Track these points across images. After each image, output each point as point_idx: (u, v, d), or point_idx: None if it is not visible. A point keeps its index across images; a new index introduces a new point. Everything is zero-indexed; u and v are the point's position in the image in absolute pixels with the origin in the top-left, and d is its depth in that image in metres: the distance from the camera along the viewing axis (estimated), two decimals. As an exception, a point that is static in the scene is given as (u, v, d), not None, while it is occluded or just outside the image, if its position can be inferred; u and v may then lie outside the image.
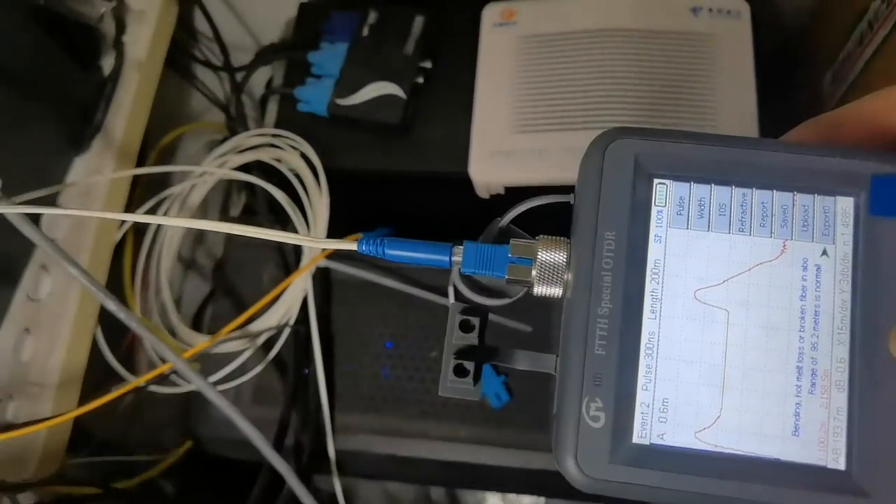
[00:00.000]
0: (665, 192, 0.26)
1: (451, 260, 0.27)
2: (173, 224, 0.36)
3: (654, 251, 0.26)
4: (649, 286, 0.25)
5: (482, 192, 0.62)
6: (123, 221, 0.66)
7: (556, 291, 0.26)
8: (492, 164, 0.59)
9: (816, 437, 0.24)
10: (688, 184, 0.26)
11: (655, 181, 0.26)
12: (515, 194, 0.60)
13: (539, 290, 0.27)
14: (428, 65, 0.64)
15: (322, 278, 0.63)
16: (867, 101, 0.26)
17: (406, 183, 0.66)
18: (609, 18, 0.60)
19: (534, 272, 0.27)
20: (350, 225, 0.63)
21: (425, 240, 0.28)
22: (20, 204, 0.49)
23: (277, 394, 0.61)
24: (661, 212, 0.26)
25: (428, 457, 0.59)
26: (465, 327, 0.27)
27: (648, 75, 0.58)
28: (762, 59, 0.59)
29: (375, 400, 0.60)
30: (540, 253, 0.27)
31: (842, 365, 0.25)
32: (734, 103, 0.57)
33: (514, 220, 0.29)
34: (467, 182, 0.61)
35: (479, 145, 0.60)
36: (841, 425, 0.24)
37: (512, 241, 0.27)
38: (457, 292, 0.60)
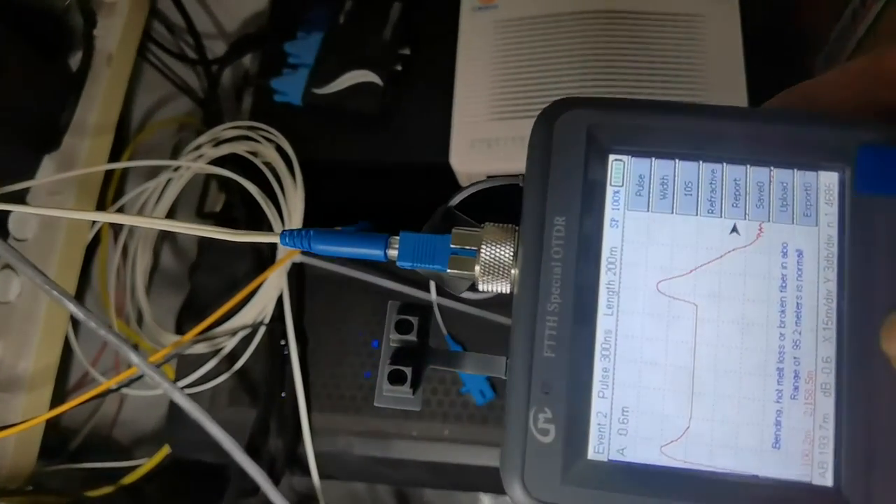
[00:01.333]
0: (622, 170, 0.23)
1: (385, 253, 0.24)
2: (134, 223, 0.33)
3: (609, 238, 0.22)
4: (605, 278, 0.22)
5: (465, 182, 0.59)
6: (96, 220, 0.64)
7: (503, 287, 0.23)
8: (473, 153, 0.57)
9: (800, 449, 0.21)
10: (648, 159, 0.23)
11: (611, 157, 0.23)
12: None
13: (484, 285, 0.24)
14: (406, 51, 0.62)
15: (299, 275, 0.60)
16: (851, 67, 0.23)
17: (386, 174, 0.63)
18: (592, 0, 0.58)
19: (477, 266, 0.23)
20: (330, 218, 0.60)
21: (372, 231, 0.25)
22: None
23: (253, 395, 0.59)
24: (617, 192, 0.23)
25: (412, 458, 0.56)
26: (403, 327, 0.24)
27: (634, 58, 0.56)
28: (752, 39, 0.56)
29: (356, 400, 0.57)
30: (484, 242, 0.23)
31: (828, 365, 0.21)
32: (723, 85, 0.54)
33: (477, 211, 0.26)
34: (449, 171, 0.58)
35: (460, 133, 0.58)
36: (828, 435, 0.21)
37: (454, 229, 0.24)
38: (438, 286, 0.57)
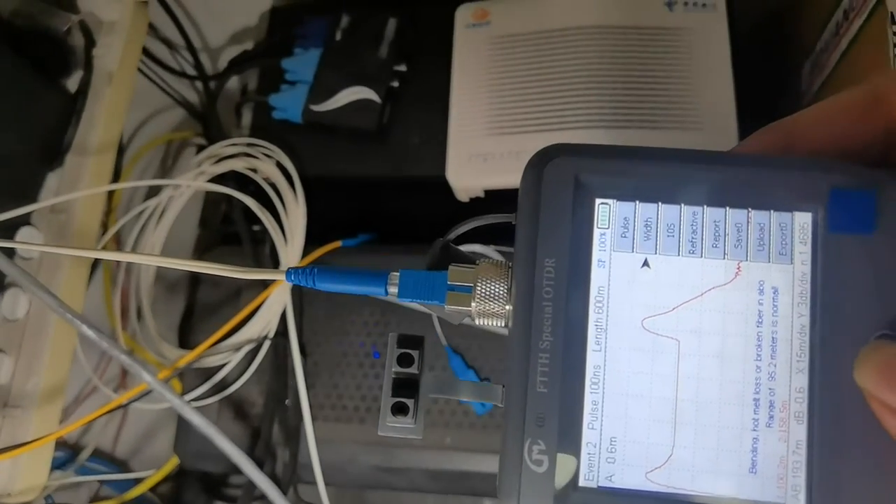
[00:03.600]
0: (608, 213, 0.24)
1: (386, 290, 0.26)
2: (136, 261, 0.35)
3: (597, 278, 0.24)
4: (593, 316, 0.24)
5: (462, 196, 0.60)
6: (103, 234, 0.66)
7: (498, 322, 0.25)
8: (470, 168, 0.58)
9: (775, 473, 0.23)
10: (632, 203, 0.24)
11: (597, 201, 0.24)
12: (496, 197, 0.59)
13: (480, 318, 0.25)
14: (402, 68, 0.63)
15: (299, 288, 0.61)
16: (820, 107, 0.25)
17: (385, 189, 0.65)
18: (583, 16, 0.59)
19: (473, 303, 0.25)
20: (331, 233, 0.61)
21: (364, 269, 0.26)
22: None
23: (259, 408, 0.60)
24: (604, 234, 0.24)
25: (415, 466, 0.58)
26: (405, 361, 0.25)
27: (625, 72, 0.57)
28: (740, 50, 0.57)
29: (360, 410, 0.59)
30: (479, 279, 0.25)
31: (801, 395, 0.23)
32: (712, 97, 0.55)
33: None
34: (446, 186, 0.59)
35: (457, 149, 0.59)
36: (800, 460, 0.23)
37: (451, 267, 0.25)
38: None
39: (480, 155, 0.58)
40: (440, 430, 0.57)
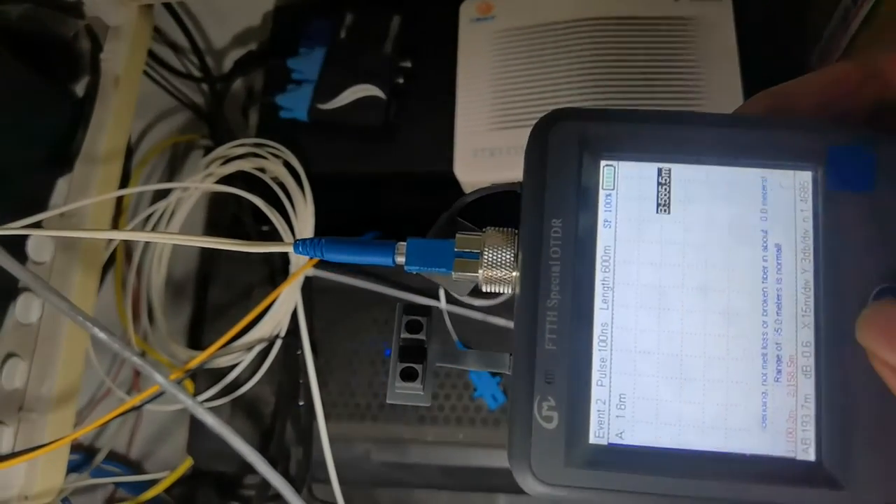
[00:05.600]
0: (613, 174, 0.24)
1: (394, 259, 0.26)
2: (152, 239, 0.35)
3: (603, 237, 0.24)
4: (600, 275, 0.24)
5: (469, 191, 0.60)
6: (111, 240, 0.66)
7: (505, 287, 0.25)
8: (476, 163, 0.58)
9: (784, 427, 0.23)
10: (637, 164, 0.24)
11: (602, 163, 0.24)
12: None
13: (487, 285, 0.25)
14: (407, 64, 0.64)
15: (312, 287, 0.62)
16: (820, 73, 0.25)
17: (392, 185, 0.65)
18: (588, 7, 0.59)
19: (480, 270, 0.25)
20: (340, 230, 0.61)
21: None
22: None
23: (272, 407, 0.61)
24: (609, 195, 0.24)
25: (428, 462, 0.58)
26: (413, 327, 0.25)
27: (631, 63, 0.57)
28: (747, 38, 0.57)
29: (372, 408, 0.59)
30: (486, 245, 0.25)
31: (807, 349, 0.23)
32: (719, 86, 0.55)
33: (478, 218, 0.27)
34: (453, 180, 0.59)
35: (463, 144, 0.59)
36: (809, 414, 0.23)
37: (458, 234, 0.26)
38: (447, 293, 0.59)
39: (487, 149, 0.58)
40: (453, 426, 0.57)
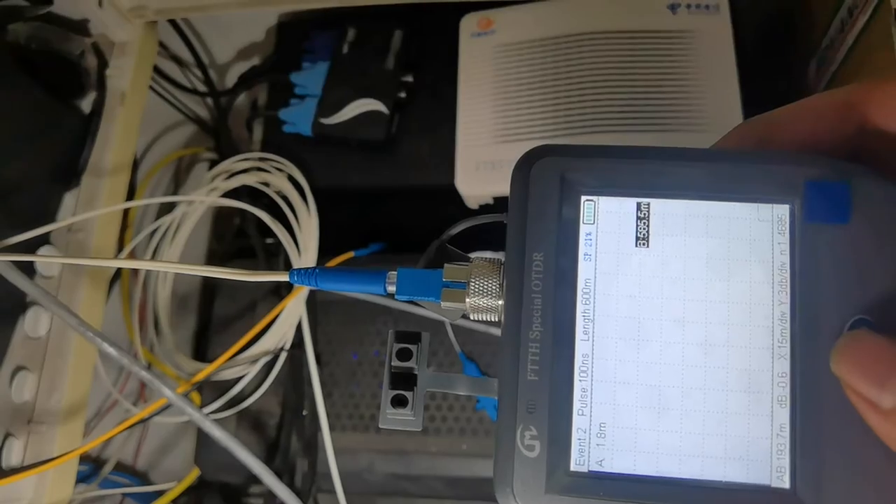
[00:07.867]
0: (593, 210, 0.25)
1: (385, 288, 0.27)
2: (153, 268, 0.36)
3: (584, 271, 0.25)
4: (580, 307, 0.24)
5: (471, 204, 0.61)
6: (119, 251, 0.67)
7: (491, 316, 0.26)
8: (478, 176, 0.59)
9: (760, 456, 0.23)
10: (616, 199, 0.25)
11: (583, 198, 0.25)
12: (506, 204, 0.59)
13: (474, 314, 0.26)
14: (409, 78, 0.64)
15: (316, 300, 0.62)
16: (800, 105, 0.26)
17: (395, 198, 0.66)
18: (587, 21, 0.60)
19: (467, 299, 0.26)
20: (343, 244, 0.62)
21: (365, 270, 0.27)
22: (6, 251, 0.49)
23: (277, 418, 0.61)
24: (589, 229, 0.25)
25: (432, 473, 0.59)
26: (403, 356, 0.26)
27: (630, 76, 0.58)
28: (744, 51, 0.58)
29: (376, 419, 0.59)
30: (473, 276, 0.26)
31: (783, 380, 0.23)
32: (718, 98, 0.56)
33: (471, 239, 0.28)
34: (455, 193, 0.60)
35: (465, 157, 0.60)
36: (784, 443, 0.23)
37: (446, 265, 0.26)
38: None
39: (489, 162, 0.59)
40: (456, 437, 0.58)
